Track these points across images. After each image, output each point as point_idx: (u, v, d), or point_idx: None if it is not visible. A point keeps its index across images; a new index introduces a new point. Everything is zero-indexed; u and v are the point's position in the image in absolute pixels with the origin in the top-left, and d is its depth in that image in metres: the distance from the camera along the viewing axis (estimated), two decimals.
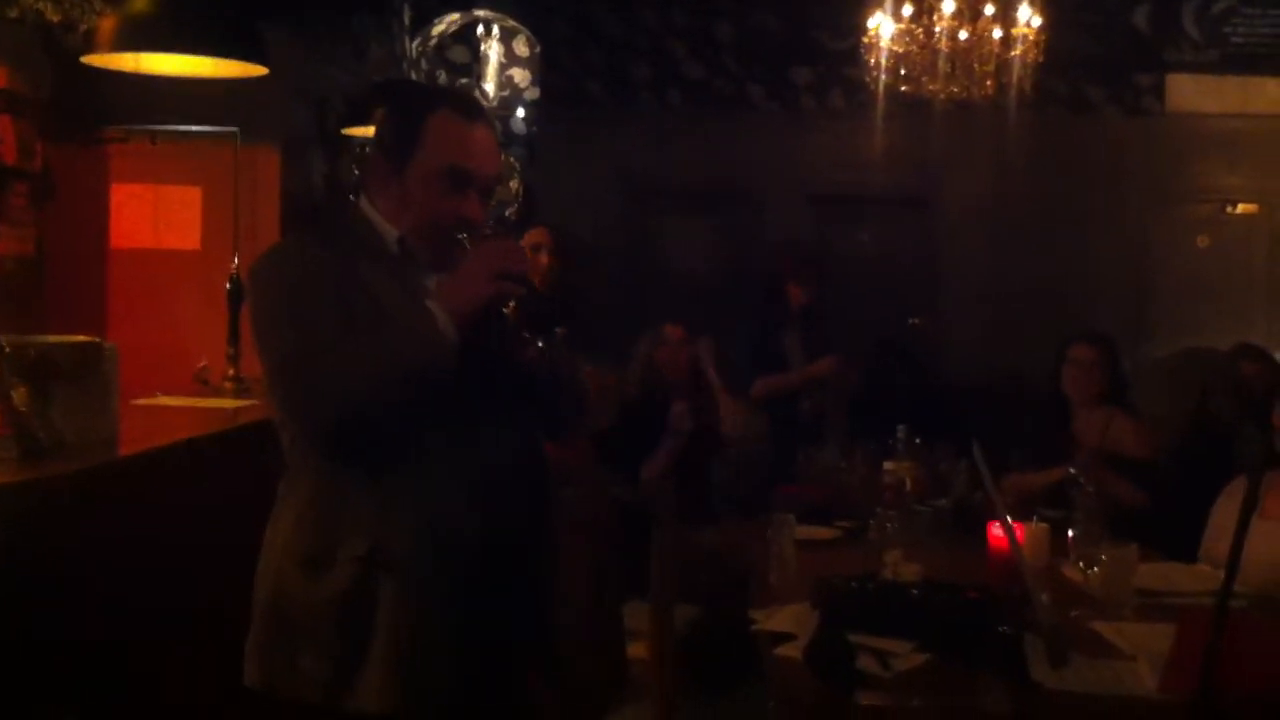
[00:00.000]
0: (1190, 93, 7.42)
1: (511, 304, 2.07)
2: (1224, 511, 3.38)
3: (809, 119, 7.59)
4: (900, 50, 5.88)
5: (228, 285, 3.77)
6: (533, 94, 6.26)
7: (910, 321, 7.33)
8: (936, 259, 7.56)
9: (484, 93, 5.91)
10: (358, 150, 4.52)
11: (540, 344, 2.09)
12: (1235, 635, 2.40)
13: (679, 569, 2.83)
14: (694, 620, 3.19)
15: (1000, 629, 2.50)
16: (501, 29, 6.16)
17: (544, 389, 2.22)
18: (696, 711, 2.84)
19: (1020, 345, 6.43)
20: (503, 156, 5.66)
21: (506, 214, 4.78)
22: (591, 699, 2.79)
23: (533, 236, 3.96)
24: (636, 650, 3.02)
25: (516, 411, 2.21)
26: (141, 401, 3.35)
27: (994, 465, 2.83)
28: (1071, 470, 3.48)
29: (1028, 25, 5.75)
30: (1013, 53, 5.82)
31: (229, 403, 3.54)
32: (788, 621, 2.69)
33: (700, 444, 4.44)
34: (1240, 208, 7.41)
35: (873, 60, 5.93)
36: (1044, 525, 3.03)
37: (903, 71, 5.92)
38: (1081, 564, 2.89)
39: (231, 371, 3.71)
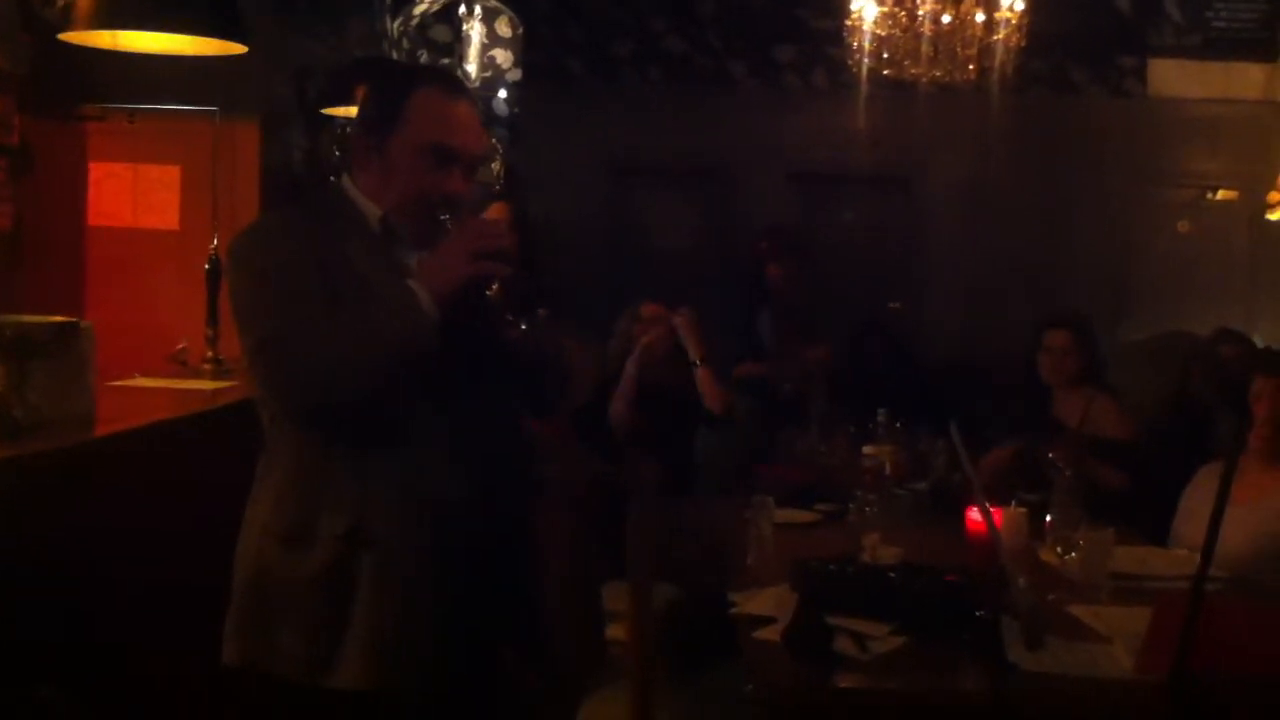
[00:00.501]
0: (1172, 77, 7.43)
1: (494, 285, 2.07)
2: (1194, 495, 3.41)
3: (792, 97, 7.58)
4: (883, 33, 5.87)
5: (206, 265, 3.75)
6: (515, 75, 6.22)
7: (890, 305, 7.34)
8: (919, 240, 7.57)
9: (466, 73, 5.87)
10: (339, 130, 4.49)
11: (523, 324, 2.10)
12: (1210, 618, 2.42)
13: (657, 547, 2.84)
14: (673, 601, 3.19)
15: (978, 612, 2.51)
16: (484, 9, 6.12)
17: (526, 368, 2.22)
18: (675, 693, 2.85)
19: (1002, 326, 6.46)
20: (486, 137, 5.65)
21: (489, 194, 4.76)
22: (571, 679, 2.80)
23: (492, 212, 3.90)
24: (615, 631, 3.03)
25: (499, 390, 2.21)
26: (118, 382, 3.33)
27: (973, 448, 2.84)
28: (1050, 455, 3.49)
29: (1010, 9, 5.75)
30: (995, 36, 5.82)
31: (207, 384, 3.52)
32: (767, 604, 2.70)
33: (685, 415, 4.42)
34: (1220, 193, 7.43)
35: (855, 43, 5.92)
36: (1022, 509, 3.04)
37: (885, 55, 5.91)
38: (1059, 547, 2.91)
39: (210, 353, 3.69)
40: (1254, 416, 3.24)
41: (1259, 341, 5.11)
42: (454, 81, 2.28)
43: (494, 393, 2.20)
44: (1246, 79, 7.36)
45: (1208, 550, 1.94)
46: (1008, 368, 4.76)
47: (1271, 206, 5.72)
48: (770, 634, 2.55)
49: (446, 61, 5.89)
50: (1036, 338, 4.30)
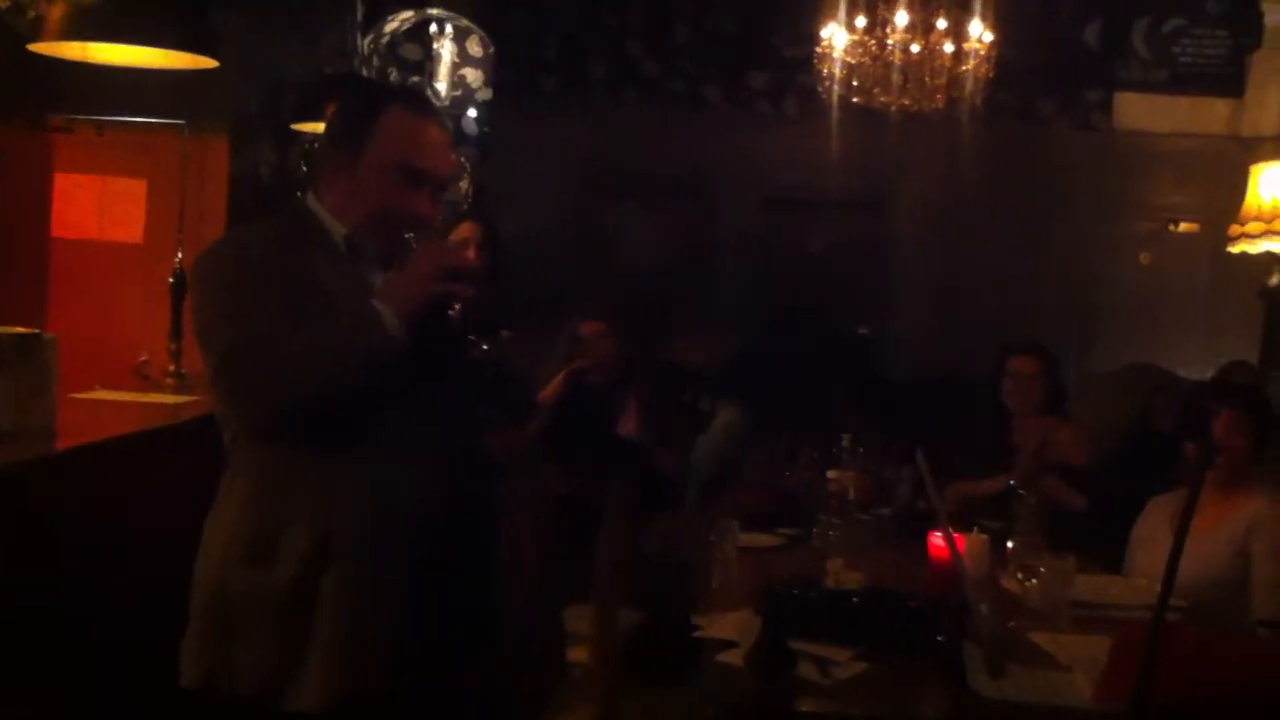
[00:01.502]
0: (1138, 111, 7.51)
1: (456, 305, 2.07)
2: (1146, 524, 3.45)
3: (764, 123, 7.62)
4: (853, 61, 5.92)
5: (171, 279, 3.73)
6: (485, 94, 6.24)
7: (859, 331, 7.37)
8: (887, 265, 7.61)
9: (436, 91, 5.88)
10: (306, 145, 4.48)
11: (485, 345, 2.09)
12: (1169, 648, 2.44)
13: (622, 569, 2.83)
14: (636, 624, 3.18)
15: (940, 638, 2.52)
16: (455, 28, 6.13)
17: (489, 388, 2.21)
18: (637, 716, 2.83)
19: (967, 352, 6.49)
20: (455, 156, 5.64)
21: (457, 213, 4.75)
22: (533, 701, 2.78)
23: (461, 231, 3.89)
24: (578, 653, 3.02)
25: (462, 409, 2.20)
26: (80, 395, 3.30)
27: (938, 473, 2.85)
28: (1011, 482, 3.52)
29: (979, 40, 5.81)
30: (964, 67, 5.87)
31: (170, 398, 3.50)
32: (730, 628, 2.69)
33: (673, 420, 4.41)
34: (1183, 226, 7.52)
35: (826, 70, 5.96)
36: (984, 536, 3.06)
37: (855, 82, 5.95)
38: (1020, 575, 2.92)
39: (173, 367, 3.67)
40: (1215, 448, 3.28)
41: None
42: (423, 101, 2.28)
43: (457, 412, 2.19)
44: (1211, 113, 7.45)
45: (1168, 580, 1.95)
46: (971, 394, 4.79)
47: (1233, 239, 5.78)
48: (733, 657, 2.55)
49: (416, 80, 5.89)
50: (1001, 364, 4.34)
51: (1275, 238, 5.56)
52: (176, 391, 3.57)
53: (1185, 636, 2.60)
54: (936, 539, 2.93)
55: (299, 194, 2.31)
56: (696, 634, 2.70)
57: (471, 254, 3.77)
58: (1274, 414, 3.40)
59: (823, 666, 2.48)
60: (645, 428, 4.38)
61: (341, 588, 2.04)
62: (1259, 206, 5.69)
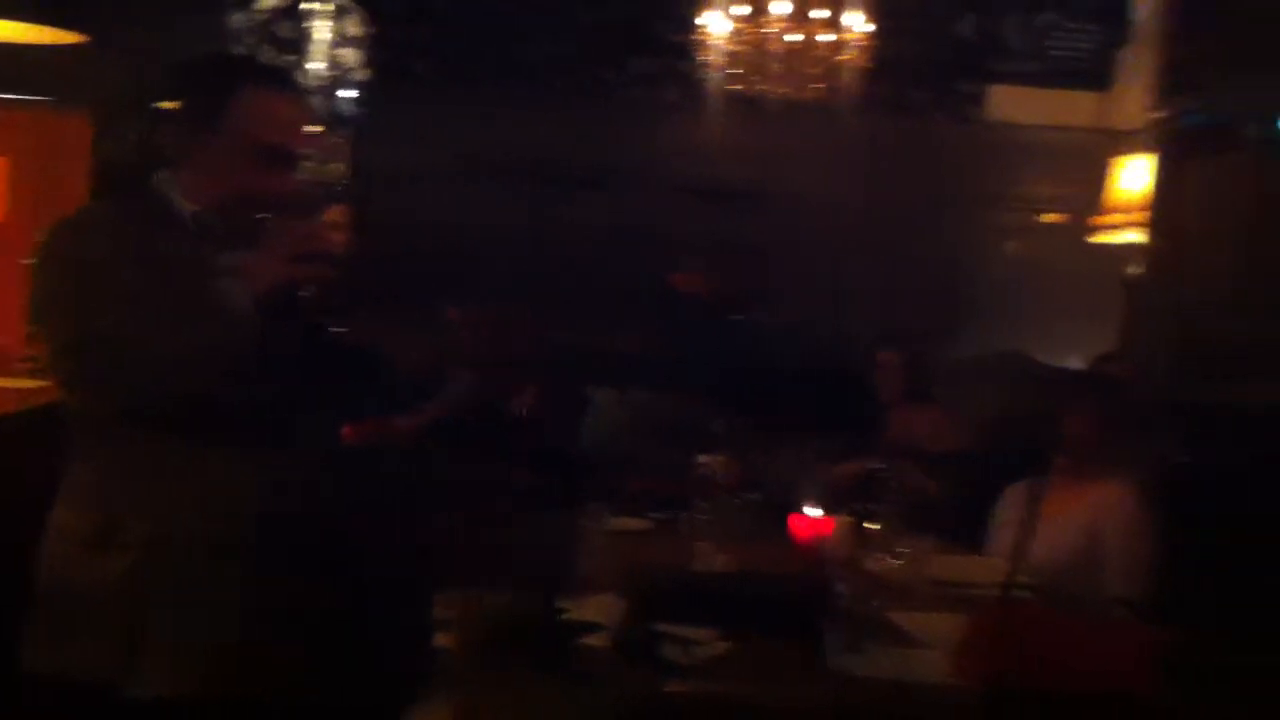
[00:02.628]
0: (1010, 102, 7.67)
1: (308, 289, 2.04)
2: (1005, 509, 3.55)
3: (645, 109, 7.62)
4: (733, 49, 5.96)
5: (30, 261, 3.61)
6: (363, 74, 6.15)
7: (735, 317, 7.41)
8: (766, 254, 7.65)
9: (310, 71, 5.78)
10: (163, 123, 4.36)
11: (341, 328, 2.07)
12: (1022, 626, 2.51)
13: (488, 556, 2.82)
14: (503, 609, 3.17)
15: (803, 618, 2.56)
16: (332, 7, 6.04)
17: (344, 372, 2.19)
18: (502, 702, 2.83)
19: (842, 340, 6.58)
20: (328, 138, 5.55)
21: (329, 195, 4.69)
22: (396, 688, 2.76)
23: (331, 214, 3.84)
24: (444, 640, 3.00)
25: (315, 393, 2.17)
26: None
27: (806, 458, 2.90)
28: (876, 466, 3.58)
29: (855, 31, 5.89)
30: (842, 56, 5.95)
31: (23, 383, 3.40)
32: (596, 611, 2.70)
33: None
34: (1052, 216, 7.70)
35: (706, 57, 6.00)
36: (849, 518, 3.10)
37: (735, 70, 6.00)
38: (882, 555, 2.98)
39: (28, 351, 3.56)
40: (1064, 435, 3.39)
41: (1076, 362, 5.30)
42: (279, 78, 2.24)
43: (311, 395, 2.16)
44: (1081, 106, 7.64)
45: (1016, 561, 2.02)
46: (844, 381, 4.86)
47: (1097, 230, 5.96)
48: (599, 641, 2.56)
49: (291, 58, 5.79)
50: (870, 349, 4.42)
51: (1136, 229, 5.73)
52: (31, 376, 3.47)
53: (1038, 615, 2.68)
54: (802, 521, 2.97)
55: (153, 172, 2.25)
56: (562, 617, 2.70)
57: (337, 237, 3.72)
58: (1127, 401, 3.52)
59: (687, 648, 2.50)
60: (535, 414, 4.38)
61: (182, 578, 2.00)
62: (1121, 198, 5.86)
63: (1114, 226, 5.88)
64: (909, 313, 6.62)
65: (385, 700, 2.66)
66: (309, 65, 5.94)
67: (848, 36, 5.97)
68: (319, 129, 5.63)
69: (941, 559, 3.11)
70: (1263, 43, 4.96)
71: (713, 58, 6.01)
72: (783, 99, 6.17)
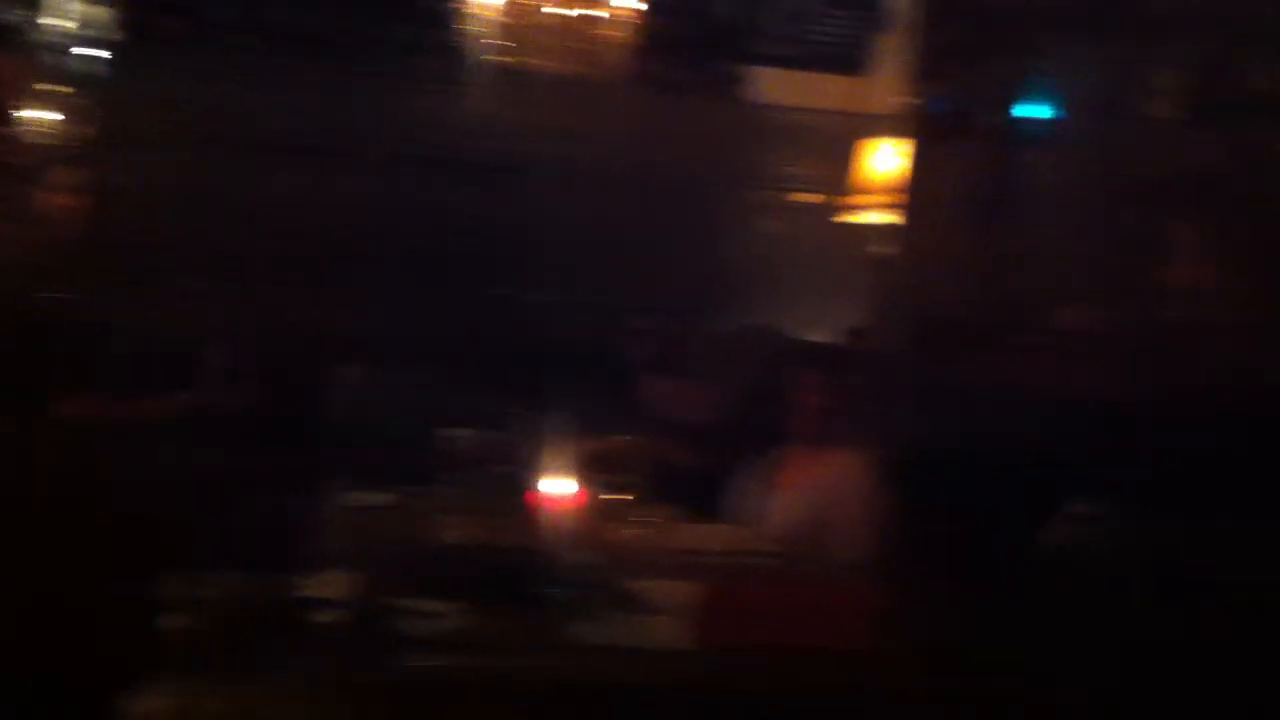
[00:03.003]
0: (769, 84, 7.84)
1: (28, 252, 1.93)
2: (749, 477, 3.64)
3: (409, 79, 7.48)
4: (501, 21, 5.90)
5: None
6: (99, 32, 5.84)
7: (492, 292, 7.38)
8: (531, 228, 7.63)
9: (42, 26, 5.46)
10: None
11: (65, 296, 1.97)
12: (755, 591, 2.58)
13: (221, 533, 2.74)
14: (235, 586, 3.08)
15: (540, 589, 2.58)
16: None
17: (62, 343, 2.08)
18: (234, 682, 2.75)
19: (604, 313, 6.61)
20: (71, 98, 5.25)
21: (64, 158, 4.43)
22: (119, 671, 2.65)
23: (58, 175, 3.63)
24: (172, 620, 2.89)
25: (19, 366, 2.06)
26: None
27: (556, 430, 2.91)
28: (626, 438, 3.62)
29: (621, 7, 5.90)
30: (608, 32, 5.96)
31: None
32: (333, 588, 2.65)
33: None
34: (806, 196, 7.91)
35: (473, 28, 5.92)
36: (595, 489, 3.13)
37: (502, 43, 5.94)
38: (624, 525, 3.01)
39: None
40: (801, 407, 3.50)
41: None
42: None
43: (14, 369, 2.05)
44: (836, 90, 7.86)
45: (755, 531, 2.07)
46: (598, 354, 4.90)
47: (846, 210, 6.15)
48: (336, 617, 2.51)
49: (21, 12, 5.45)
50: (625, 321, 4.46)
51: (880, 210, 5.95)
52: None
53: (770, 581, 2.76)
54: (545, 493, 2.98)
55: None
56: (295, 595, 2.64)
57: (64, 200, 3.53)
58: (863, 375, 3.64)
59: (426, 621, 2.49)
60: (281, 390, 4.26)
61: None
62: (871, 180, 6.07)
63: (865, 207, 6.08)
64: (665, 287, 6.71)
65: (106, 682, 2.55)
66: (50, 21, 5.61)
67: (615, 13, 5.98)
68: (64, 89, 5.33)
69: (685, 528, 3.18)
70: (999, 34, 5.20)
71: (480, 30, 5.94)
72: (549, 73, 6.15)
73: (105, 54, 5.90)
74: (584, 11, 5.88)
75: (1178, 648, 2.65)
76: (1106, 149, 4.51)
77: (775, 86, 7.79)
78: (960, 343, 5.16)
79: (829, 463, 3.48)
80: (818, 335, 5.68)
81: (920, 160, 6.09)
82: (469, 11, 5.88)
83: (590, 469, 3.43)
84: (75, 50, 5.73)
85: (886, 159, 6.21)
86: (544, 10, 5.85)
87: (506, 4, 5.85)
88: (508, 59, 5.95)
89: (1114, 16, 4.21)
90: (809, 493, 3.42)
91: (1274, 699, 2.51)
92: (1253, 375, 3.63)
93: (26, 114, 2.09)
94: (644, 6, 5.86)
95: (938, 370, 4.89)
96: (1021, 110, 4.52)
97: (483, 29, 5.86)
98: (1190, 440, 3.41)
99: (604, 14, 5.94)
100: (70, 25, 5.64)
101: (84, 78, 5.75)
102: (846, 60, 7.89)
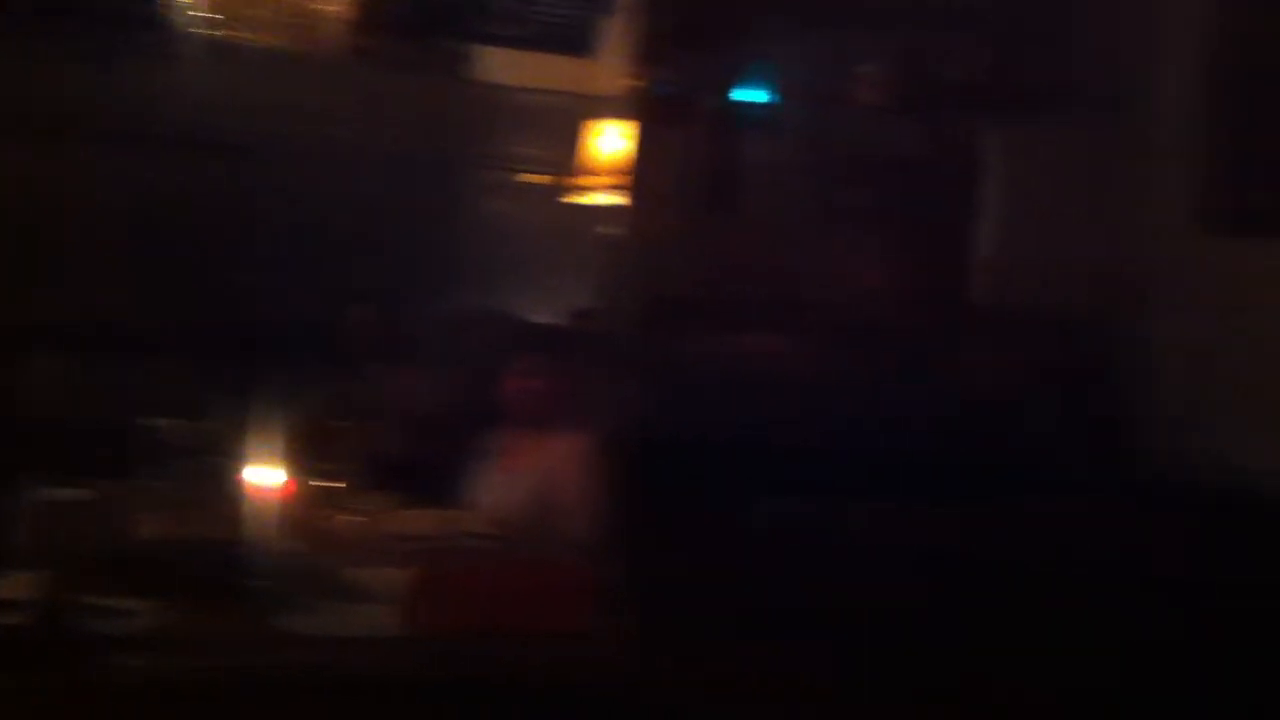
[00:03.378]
0: (498, 64, 7.78)
1: None
2: (472, 461, 3.62)
3: (117, 54, 7.08)
4: None
5: None
6: None
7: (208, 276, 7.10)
8: (245, 209, 7.36)
9: None
10: None
11: None
12: (475, 576, 2.55)
13: None
14: None
15: (248, 581, 2.48)
16: None
17: None
18: None
19: (331, 296, 6.45)
20: None
21: None
22: None
23: None
24: None
25: None
26: None
27: (266, 418, 2.80)
28: (344, 423, 3.54)
29: None
30: (330, 7, 5.81)
31: None
32: (16, 588, 2.48)
33: None
34: (532, 177, 7.90)
35: (187, 3, 5.68)
36: (304, 477, 3.04)
37: (217, 16, 5.72)
38: (337, 513, 2.94)
39: None
40: (525, 389, 3.50)
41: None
42: None
43: None
44: (562, 71, 7.86)
45: (478, 514, 2.04)
46: (318, 338, 4.77)
47: (576, 191, 6.18)
48: (22, 618, 2.35)
49: None
50: (343, 308, 4.36)
51: (607, 191, 6.01)
52: None
53: (489, 565, 2.74)
54: (250, 483, 2.88)
55: None
56: None
57: None
58: (590, 355, 3.66)
59: (121, 620, 2.36)
60: None
61: None
62: (599, 161, 6.12)
63: (592, 188, 6.13)
64: (387, 270, 6.59)
65: None
66: None
67: None
68: None
69: (401, 514, 3.12)
70: (717, 18, 5.30)
71: (195, 4, 5.69)
72: (264, 49, 5.95)
73: None
74: None
75: (891, 616, 2.77)
76: (819, 134, 4.68)
77: (501, 66, 7.73)
78: (686, 324, 5.26)
79: (553, 445, 3.48)
80: (543, 317, 5.70)
81: (645, 142, 6.17)
82: None
83: (302, 457, 3.33)
84: None
85: (613, 141, 6.27)
86: None
87: None
88: (222, 33, 5.73)
89: (826, 5, 4.35)
90: (532, 476, 3.41)
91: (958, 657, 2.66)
92: (950, 353, 3.82)
93: None
94: None
95: (664, 352, 4.97)
96: (740, 94, 4.62)
97: (200, 3, 5.62)
98: (896, 417, 3.57)
99: None
100: None
101: None
102: (573, 41, 7.90)
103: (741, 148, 5.08)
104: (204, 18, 5.69)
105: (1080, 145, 3.71)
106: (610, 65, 7.83)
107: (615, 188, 6.20)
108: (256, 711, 2.32)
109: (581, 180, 6.20)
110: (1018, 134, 4.02)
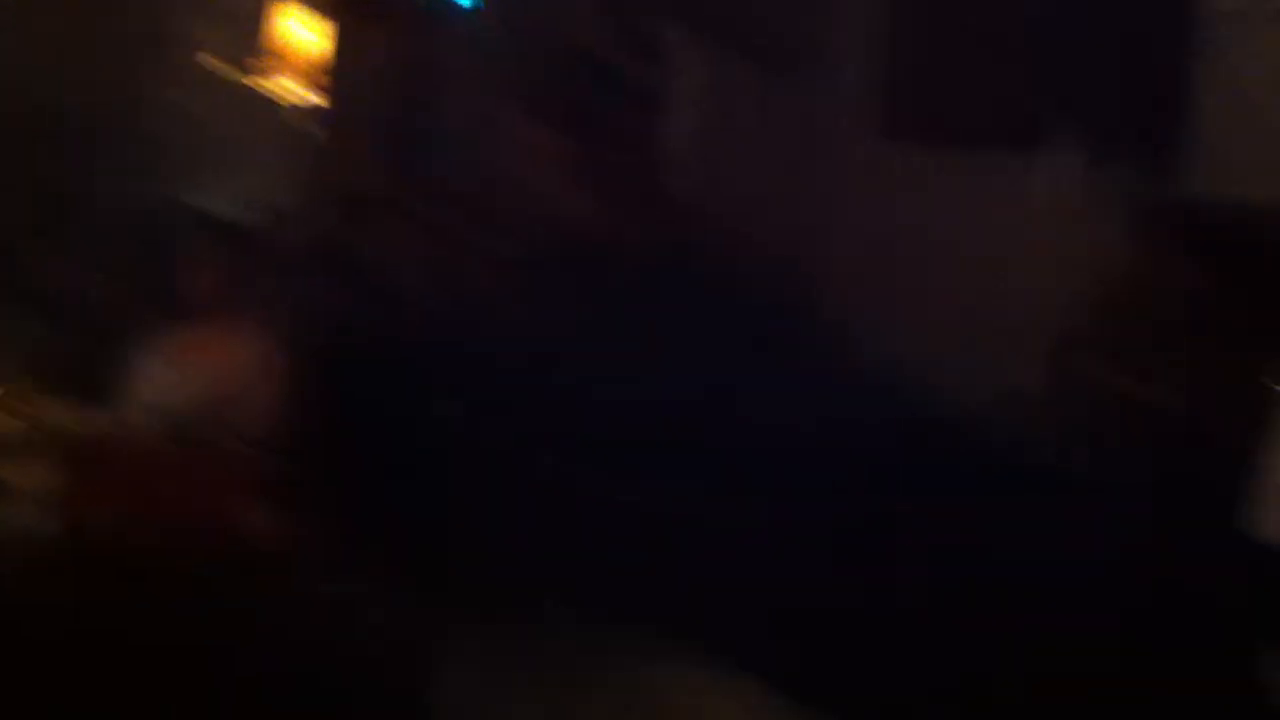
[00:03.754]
0: None
1: None
2: (143, 354, 3.47)
3: None
4: None
5: None
6: None
7: None
8: None
9: None
10: None
11: None
12: (129, 467, 2.47)
13: None
14: None
15: None
16: None
17: None
18: None
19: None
20: None
21: None
22: None
23: None
24: None
25: None
26: None
27: None
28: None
29: None
30: None
31: None
32: None
33: None
34: (222, 67, 7.52)
35: None
36: None
37: None
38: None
39: None
40: (205, 281, 3.39)
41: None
42: None
43: None
44: None
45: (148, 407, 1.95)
46: None
47: (269, 84, 5.95)
48: None
49: None
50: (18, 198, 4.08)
51: (300, 85, 5.84)
52: None
53: (149, 457, 2.66)
54: None
55: None
56: None
57: None
58: (264, 247, 3.56)
59: None
60: None
61: None
62: (280, 47, 5.96)
63: (285, 81, 5.93)
64: (66, 158, 6.20)
65: None
66: None
67: None
68: None
69: (63, 411, 2.98)
70: None
71: None
72: None
73: None
74: None
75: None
76: (519, 34, 4.67)
77: None
78: (377, 224, 5.19)
79: (231, 338, 3.39)
80: (227, 210, 5.48)
81: (341, 37, 6.01)
82: None
83: None
84: None
85: (308, 33, 6.08)
86: None
87: None
88: None
89: None
90: (208, 368, 3.31)
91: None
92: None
93: None
94: None
95: (348, 246, 4.89)
96: None
97: None
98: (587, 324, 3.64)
99: None
100: None
101: None
102: None
103: (437, 46, 5.01)
104: None
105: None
106: None
107: (309, 82, 6.02)
108: None
109: (275, 72, 5.97)
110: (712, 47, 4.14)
